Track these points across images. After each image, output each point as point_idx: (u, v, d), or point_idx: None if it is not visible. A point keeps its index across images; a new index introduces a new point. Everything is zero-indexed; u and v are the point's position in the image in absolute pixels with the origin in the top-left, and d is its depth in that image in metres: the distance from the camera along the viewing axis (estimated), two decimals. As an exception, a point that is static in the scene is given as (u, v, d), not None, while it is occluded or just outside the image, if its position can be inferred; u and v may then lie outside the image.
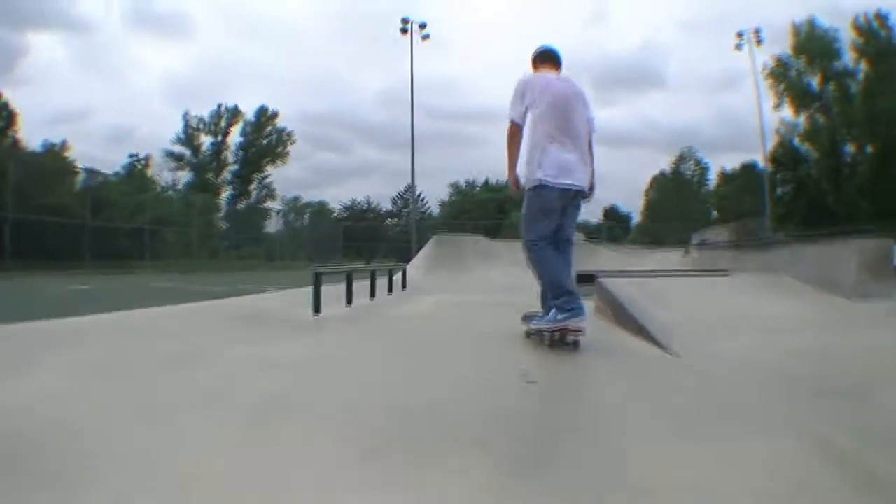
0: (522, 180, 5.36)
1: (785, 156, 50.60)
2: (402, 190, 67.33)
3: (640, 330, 6.13)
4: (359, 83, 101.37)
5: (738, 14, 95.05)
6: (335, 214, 67.34)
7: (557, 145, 5.10)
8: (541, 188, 5.15)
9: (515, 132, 5.26)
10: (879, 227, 37.69)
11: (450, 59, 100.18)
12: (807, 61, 50.12)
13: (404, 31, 45.09)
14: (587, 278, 9.99)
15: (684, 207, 66.50)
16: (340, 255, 52.09)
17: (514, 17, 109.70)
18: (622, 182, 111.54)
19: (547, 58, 5.70)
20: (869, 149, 49.10)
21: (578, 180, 5.20)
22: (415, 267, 21.81)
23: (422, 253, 23.19)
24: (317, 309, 7.25)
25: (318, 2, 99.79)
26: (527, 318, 5.57)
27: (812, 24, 50.02)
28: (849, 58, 49.46)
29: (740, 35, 45.63)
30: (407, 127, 43.80)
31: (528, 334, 5.54)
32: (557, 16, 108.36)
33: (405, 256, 46.86)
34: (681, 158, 75.86)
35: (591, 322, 6.89)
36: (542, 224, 5.25)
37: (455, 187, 76.74)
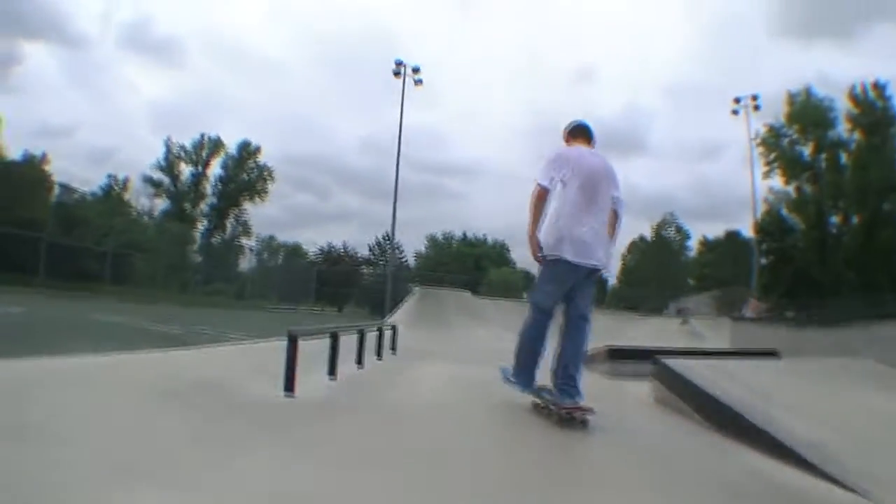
0: (542, 243, 5.19)
1: (772, 225, 48.90)
2: (381, 237, 64.94)
3: (782, 452, 4.04)
4: (343, 128, 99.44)
5: (723, 84, 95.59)
6: (310, 257, 64.51)
7: (580, 222, 5.08)
8: (556, 263, 5.12)
9: (542, 196, 5.16)
10: (866, 299, 37.11)
11: (434, 112, 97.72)
12: (800, 130, 48.83)
13: (397, 73, 43.69)
14: (640, 355, 8.04)
15: (663, 274, 65.17)
16: (312, 298, 49.66)
17: (501, 72, 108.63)
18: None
19: (580, 132, 5.69)
20: (855, 219, 47.92)
21: (595, 259, 5.17)
22: (397, 321, 19.80)
23: (404, 306, 21.05)
24: (289, 387, 4.91)
25: (308, 44, 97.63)
26: (506, 373, 5.52)
27: (808, 92, 48.80)
28: (843, 128, 48.05)
29: (737, 101, 44.46)
30: (388, 176, 42.35)
31: (536, 405, 5.42)
32: (544, 74, 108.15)
33: (379, 306, 44.90)
34: (662, 224, 74.20)
35: (665, 419, 5.87)
36: (550, 291, 5.26)
37: (432, 240, 74.72)
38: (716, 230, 79.77)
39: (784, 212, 50.43)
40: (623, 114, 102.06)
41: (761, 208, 49.29)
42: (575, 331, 5.28)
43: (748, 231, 57.96)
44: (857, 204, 46.10)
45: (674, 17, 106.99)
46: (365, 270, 63.18)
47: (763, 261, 50.26)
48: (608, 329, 24.44)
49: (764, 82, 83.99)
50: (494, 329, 20.75)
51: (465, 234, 74.63)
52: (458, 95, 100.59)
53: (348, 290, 54.06)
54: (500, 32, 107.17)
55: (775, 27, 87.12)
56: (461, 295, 23.19)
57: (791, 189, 49.89)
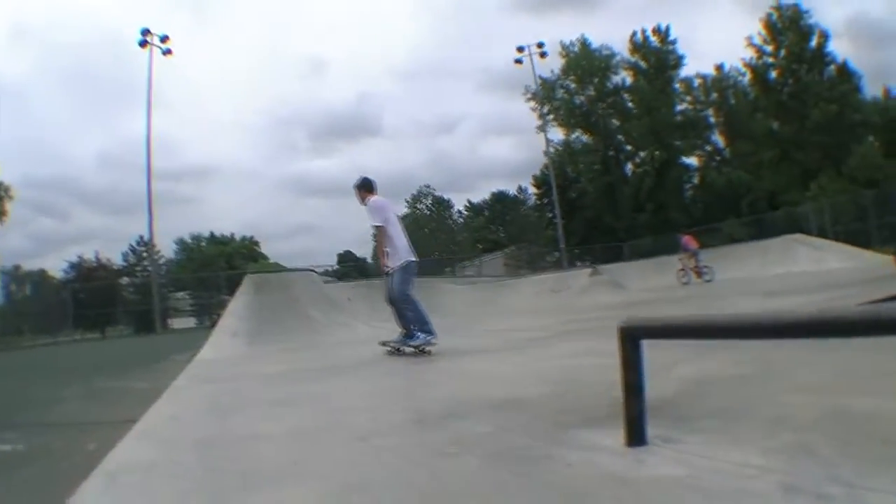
0: (393, 260, 7.89)
1: (557, 178, 45.20)
2: (135, 242, 54.53)
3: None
4: (79, 147, 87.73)
5: (455, 61, 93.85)
6: (62, 276, 51.06)
7: (404, 240, 8.00)
8: (408, 264, 7.90)
9: (384, 232, 7.89)
10: (661, 238, 35.33)
11: (164, 119, 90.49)
12: (577, 81, 45.71)
13: (143, 43, 34.84)
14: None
15: (436, 242, 61.96)
16: (70, 325, 37.62)
17: (233, 74, 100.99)
18: (347, 229, 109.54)
19: (374, 188, 8.18)
20: (629, 167, 46.10)
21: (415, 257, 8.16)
22: (230, 333, 11.94)
23: (234, 307, 12.95)
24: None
25: (42, 65, 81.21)
26: (393, 342, 8.04)
27: (584, 43, 46.15)
28: (624, 74, 46.35)
29: (521, 49, 39.67)
30: (127, 189, 33.97)
31: (390, 352, 8.02)
32: (274, 70, 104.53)
33: (145, 322, 35.31)
34: (418, 197, 70.61)
35: None
36: (411, 284, 7.93)
37: (181, 243, 66.99)
38: (459, 201, 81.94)
39: (565, 163, 47.25)
40: (357, 101, 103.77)
41: (542, 162, 45.89)
42: (416, 304, 7.89)
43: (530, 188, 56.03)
44: (646, 147, 44.10)
45: (406, 5, 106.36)
46: (125, 282, 51.14)
47: (549, 214, 47.05)
48: (487, 300, 18.22)
49: (503, 54, 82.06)
50: (366, 321, 13.65)
51: (212, 234, 69.00)
52: (189, 100, 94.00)
53: (111, 310, 42.43)
54: (232, 35, 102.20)
55: (506, 3, 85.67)
56: (309, 278, 15.14)
57: (572, 139, 47.12)
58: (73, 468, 3.33)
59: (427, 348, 7.69)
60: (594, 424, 3.07)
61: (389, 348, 7.96)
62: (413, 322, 7.74)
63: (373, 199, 7.99)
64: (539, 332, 9.45)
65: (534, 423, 3.44)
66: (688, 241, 22.51)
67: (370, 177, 8.26)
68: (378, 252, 8.28)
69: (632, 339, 2.69)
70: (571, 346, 7.46)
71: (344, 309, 14.14)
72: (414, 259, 7.96)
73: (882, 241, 26.00)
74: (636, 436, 2.70)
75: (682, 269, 22.27)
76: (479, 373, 6.09)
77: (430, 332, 7.66)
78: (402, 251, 7.86)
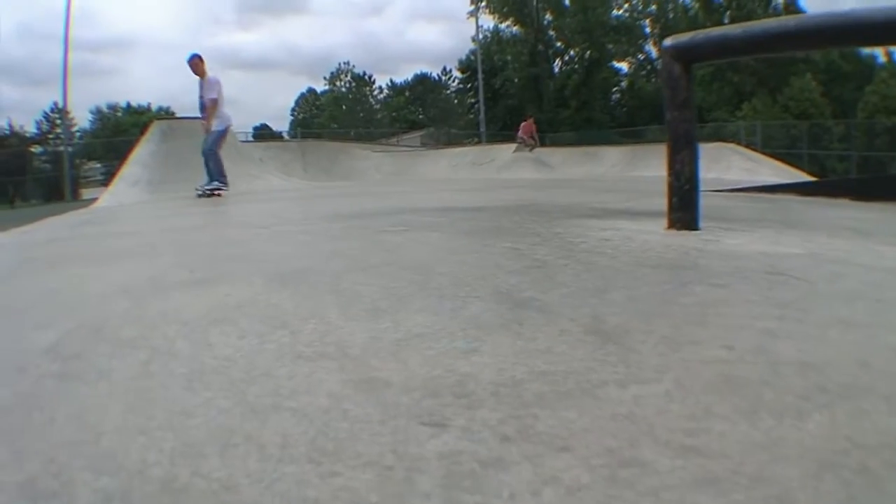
0: (214, 127, 9.32)
1: (484, 63, 43.64)
2: (50, 109, 50.10)
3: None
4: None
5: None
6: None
7: (227, 110, 9.60)
8: (227, 129, 9.71)
9: (217, 104, 9.25)
10: (583, 134, 34.78)
11: None
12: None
13: None
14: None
15: (354, 119, 59.20)
16: None
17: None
18: (263, 103, 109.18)
19: (204, 60, 9.47)
20: (557, 64, 45.00)
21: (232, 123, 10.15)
22: (130, 182, 10.77)
23: (138, 155, 11.77)
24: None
25: None
26: (201, 187, 9.23)
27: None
28: None
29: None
30: (50, 61, 30.65)
31: (199, 195, 9.08)
32: None
33: (56, 192, 33.02)
34: (337, 76, 66.77)
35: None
36: (222, 144, 9.53)
37: (98, 112, 62.29)
38: (384, 82, 78.28)
39: (492, 52, 45.66)
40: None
41: (470, 48, 44.93)
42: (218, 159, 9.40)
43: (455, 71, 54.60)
44: (577, 45, 43.09)
45: None
46: (35, 150, 47.29)
47: (471, 100, 47.44)
48: (404, 169, 17.29)
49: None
50: (272, 176, 12.74)
51: (129, 104, 63.88)
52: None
53: (19, 179, 38.99)
54: None
55: None
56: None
57: (503, 28, 45.64)
58: None
59: (219, 193, 9.19)
60: (598, 217, 2.19)
61: (199, 192, 9.14)
62: (214, 172, 9.29)
63: (211, 74, 9.37)
64: (469, 187, 9.16)
65: (511, 217, 2.61)
66: (525, 127, 22.27)
67: (199, 53, 9.58)
68: (207, 117, 9.26)
69: (683, 60, 1.84)
70: (510, 193, 6.66)
71: (256, 163, 12.96)
72: (231, 125, 9.95)
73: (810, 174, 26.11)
74: (685, 215, 1.82)
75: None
76: (421, 197, 5.24)
77: (224, 182, 9.30)
78: (225, 119, 9.51)
